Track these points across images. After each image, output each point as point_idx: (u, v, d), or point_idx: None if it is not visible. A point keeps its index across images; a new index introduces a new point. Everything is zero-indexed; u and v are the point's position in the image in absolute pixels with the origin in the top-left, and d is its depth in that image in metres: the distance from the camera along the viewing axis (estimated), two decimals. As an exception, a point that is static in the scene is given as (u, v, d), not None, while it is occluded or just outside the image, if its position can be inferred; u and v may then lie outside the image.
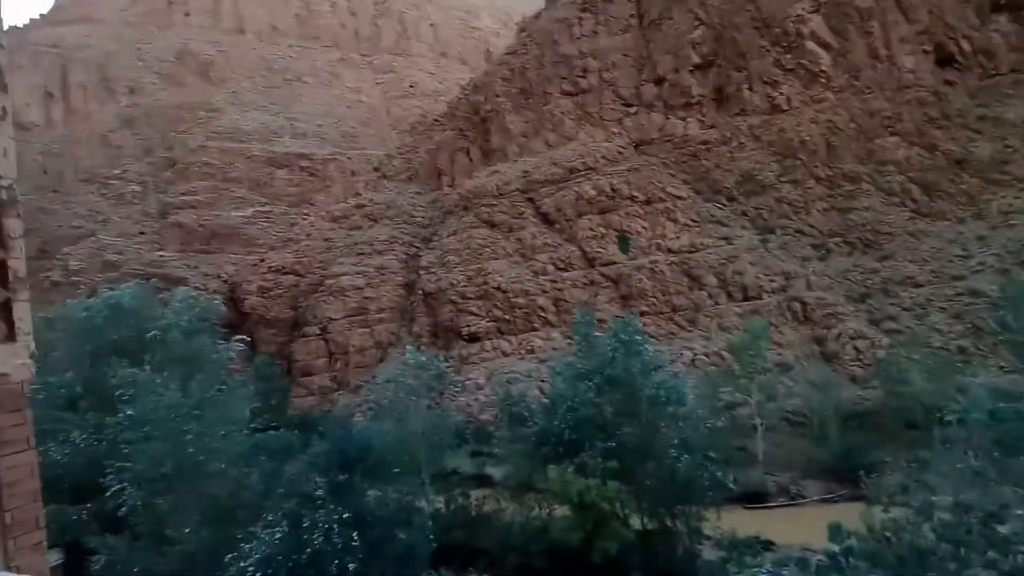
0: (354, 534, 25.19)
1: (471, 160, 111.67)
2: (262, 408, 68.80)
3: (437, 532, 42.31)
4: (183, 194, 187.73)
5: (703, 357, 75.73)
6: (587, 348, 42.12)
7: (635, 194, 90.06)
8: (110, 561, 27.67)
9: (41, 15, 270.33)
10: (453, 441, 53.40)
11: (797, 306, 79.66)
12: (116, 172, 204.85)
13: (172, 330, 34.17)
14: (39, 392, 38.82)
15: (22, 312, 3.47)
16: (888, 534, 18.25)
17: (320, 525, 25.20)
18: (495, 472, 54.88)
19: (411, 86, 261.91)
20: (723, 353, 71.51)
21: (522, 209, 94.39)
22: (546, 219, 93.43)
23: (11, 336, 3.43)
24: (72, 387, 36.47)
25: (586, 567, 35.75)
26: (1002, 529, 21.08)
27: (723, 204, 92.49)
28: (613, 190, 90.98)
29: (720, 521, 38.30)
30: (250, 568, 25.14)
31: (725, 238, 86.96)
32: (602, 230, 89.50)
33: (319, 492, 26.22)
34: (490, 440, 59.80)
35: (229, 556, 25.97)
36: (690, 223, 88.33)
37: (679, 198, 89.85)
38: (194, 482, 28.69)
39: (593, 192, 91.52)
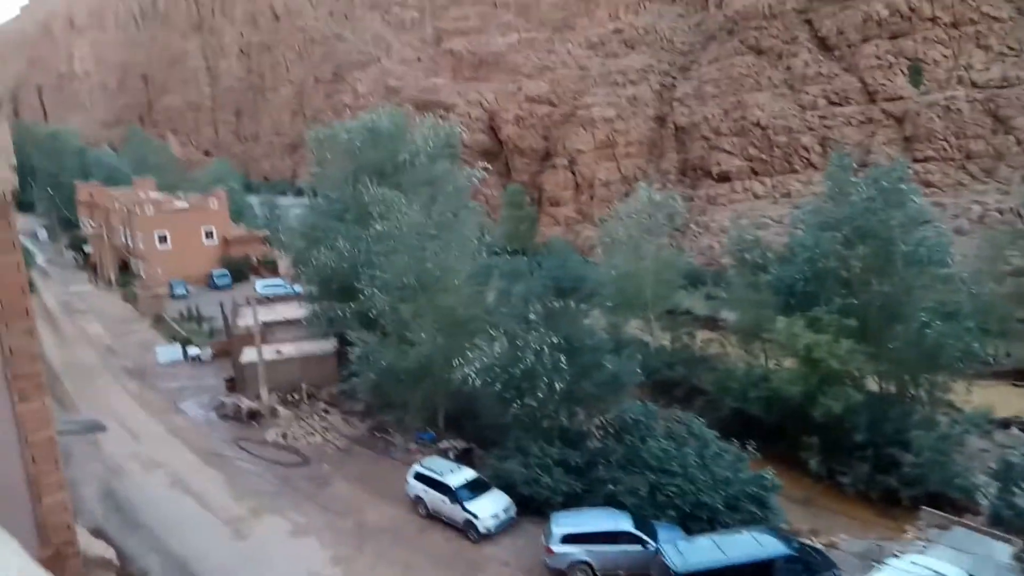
0: (562, 357, 26.70)
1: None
2: (510, 233, 73.65)
3: (658, 366, 43.55)
4: (456, 20, 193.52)
5: (995, 214, 65.22)
6: (840, 194, 38.13)
7: (938, 14, 75.82)
8: (364, 353, 32.39)
9: None
10: (684, 281, 52.92)
11: None
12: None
13: (419, 155, 36.82)
14: (318, 204, 44.73)
15: (2, 132, 3.97)
16: None
17: (532, 346, 27.00)
18: (728, 316, 53.93)
19: None
20: (1021, 211, 60.92)
21: (796, 33, 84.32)
22: (823, 44, 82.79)
23: (-7, 155, 3.95)
24: (345, 200, 41.32)
25: (805, 422, 34.77)
26: None
27: (1059, 26, 74.63)
28: (911, 9, 77.32)
29: (971, 395, 34.63)
30: (471, 374, 27.97)
31: (1054, 70, 70.95)
32: (891, 59, 77.53)
33: (532, 316, 27.91)
34: (727, 284, 58.42)
35: (457, 361, 29.02)
36: (1006, 51, 72.99)
37: (995, 19, 74.02)
38: (432, 294, 31.89)
39: (885, 12, 78.59)
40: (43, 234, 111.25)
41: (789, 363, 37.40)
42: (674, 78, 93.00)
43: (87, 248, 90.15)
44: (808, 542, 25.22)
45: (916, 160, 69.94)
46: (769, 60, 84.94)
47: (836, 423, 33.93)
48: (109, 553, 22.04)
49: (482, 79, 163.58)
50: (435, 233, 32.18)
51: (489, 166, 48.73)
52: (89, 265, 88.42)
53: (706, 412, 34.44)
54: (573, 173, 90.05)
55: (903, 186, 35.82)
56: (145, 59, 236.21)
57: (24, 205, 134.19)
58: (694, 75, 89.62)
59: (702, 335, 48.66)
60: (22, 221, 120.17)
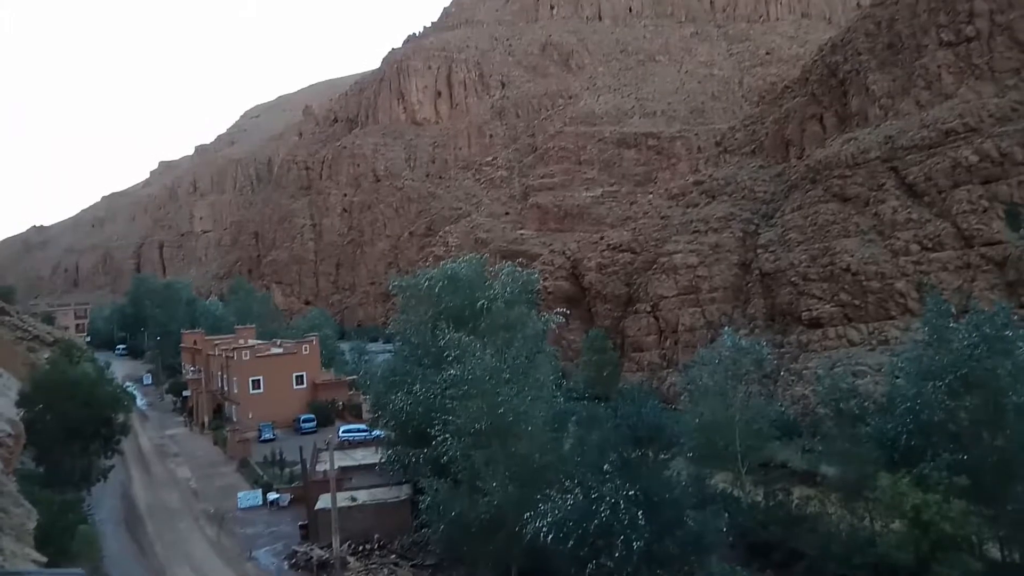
0: (639, 512, 25.04)
1: (824, 128, 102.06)
2: (592, 379, 72.52)
3: (750, 526, 40.31)
4: (542, 177, 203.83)
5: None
6: (939, 341, 35.90)
7: (1033, 158, 73.91)
8: (435, 501, 31.44)
9: (432, 23, 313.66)
10: (777, 432, 49.96)
11: None
12: (488, 159, 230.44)
13: (496, 300, 37.38)
14: (400, 349, 45.57)
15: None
16: None
17: (607, 499, 25.54)
18: (829, 471, 50.23)
19: (767, 53, 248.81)
20: None
21: (882, 180, 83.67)
22: (911, 191, 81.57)
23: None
24: (424, 346, 41.93)
25: (919, 593, 31.01)
26: None
27: None
28: (1002, 155, 75.75)
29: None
30: (543, 528, 26.51)
31: None
32: (984, 203, 75.25)
33: (606, 466, 26.60)
34: (824, 436, 54.88)
35: (528, 514, 27.67)
36: (1114, 192, 69.84)
37: (1099, 161, 71.56)
38: (505, 440, 31.08)
39: (975, 158, 77.24)
40: (148, 379, 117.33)
41: (897, 525, 34.02)
42: (757, 225, 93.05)
43: (186, 392, 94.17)
44: None
45: (1023, 306, 65.79)
46: (855, 207, 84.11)
47: (954, 595, 30.06)
48: None
49: (567, 229, 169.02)
50: (509, 377, 31.88)
51: (568, 311, 48.91)
52: (186, 409, 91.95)
53: (806, 579, 31.21)
54: (656, 319, 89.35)
55: (1008, 332, 33.50)
56: (257, 218, 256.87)
57: (135, 352, 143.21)
58: (778, 222, 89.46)
59: (799, 491, 45.10)
60: (131, 367, 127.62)
